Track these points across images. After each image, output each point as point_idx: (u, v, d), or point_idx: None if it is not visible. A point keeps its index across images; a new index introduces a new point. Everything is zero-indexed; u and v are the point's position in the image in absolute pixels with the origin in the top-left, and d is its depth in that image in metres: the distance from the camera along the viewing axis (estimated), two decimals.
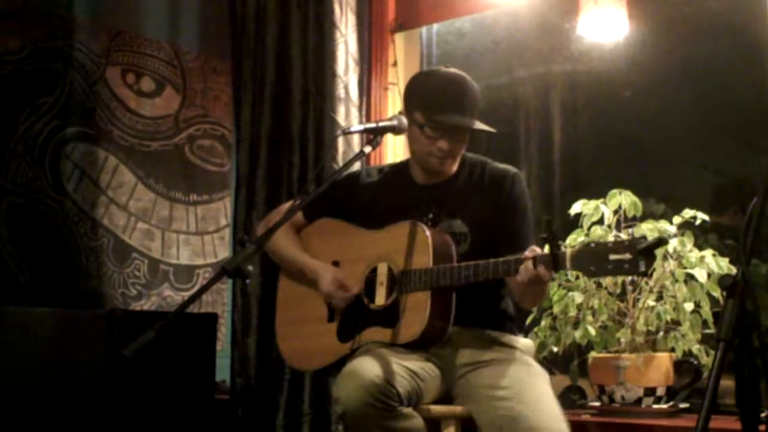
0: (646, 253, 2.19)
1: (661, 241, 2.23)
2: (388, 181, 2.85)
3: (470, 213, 2.68)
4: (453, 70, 2.70)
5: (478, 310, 2.64)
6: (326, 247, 2.82)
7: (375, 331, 2.63)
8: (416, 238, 2.60)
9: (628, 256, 2.20)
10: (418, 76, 2.85)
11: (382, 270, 2.66)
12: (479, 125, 2.65)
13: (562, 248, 2.34)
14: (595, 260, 2.26)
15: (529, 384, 2.50)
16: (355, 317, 2.70)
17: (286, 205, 2.99)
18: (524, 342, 2.74)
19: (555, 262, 2.30)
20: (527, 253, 2.37)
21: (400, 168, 2.89)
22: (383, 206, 2.77)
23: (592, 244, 2.30)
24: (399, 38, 4.13)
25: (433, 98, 2.64)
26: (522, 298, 2.63)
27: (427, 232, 2.59)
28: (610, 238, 3.04)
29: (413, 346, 2.56)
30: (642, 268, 2.20)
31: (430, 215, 2.70)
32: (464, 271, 2.49)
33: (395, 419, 2.40)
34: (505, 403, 2.44)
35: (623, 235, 3.09)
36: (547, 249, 2.36)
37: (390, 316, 2.61)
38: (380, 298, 2.65)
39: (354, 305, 2.71)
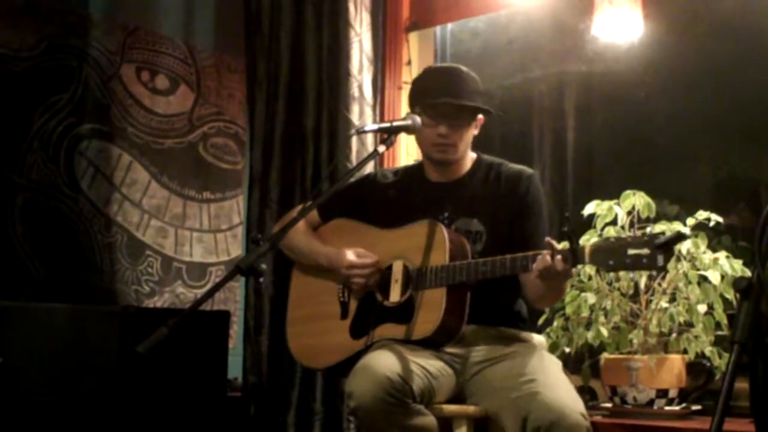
0: (664, 248, 2.21)
1: (680, 237, 2.26)
2: (403, 181, 2.86)
3: (486, 213, 2.69)
4: (447, 64, 2.74)
5: (492, 309, 2.65)
6: (341, 247, 2.81)
7: (389, 327, 2.63)
8: (433, 237, 2.61)
9: (646, 251, 2.22)
10: (416, 77, 2.90)
11: (397, 267, 2.67)
12: (473, 104, 2.68)
13: (581, 243, 2.35)
14: (613, 255, 2.28)
15: (543, 366, 2.53)
16: (368, 314, 2.70)
17: (301, 206, 3.00)
18: (538, 337, 2.76)
19: (574, 256, 2.32)
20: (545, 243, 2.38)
21: (414, 168, 2.91)
22: (399, 206, 2.78)
23: (612, 239, 2.32)
24: (413, 37, 4.13)
25: (426, 87, 2.72)
26: (538, 297, 2.63)
27: (444, 231, 2.60)
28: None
29: (427, 343, 2.57)
30: (660, 263, 2.22)
31: (446, 214, 2.71)
32: (481, 267, 2.50)
33: (408, 416, 2.41)
34: (520, 387, 2.45)
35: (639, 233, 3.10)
36: (566, 243, 2.36)
37: (404, 313, 2.61)
38: (395, 295, 2.66)
39: (368, 302, 2.72)
